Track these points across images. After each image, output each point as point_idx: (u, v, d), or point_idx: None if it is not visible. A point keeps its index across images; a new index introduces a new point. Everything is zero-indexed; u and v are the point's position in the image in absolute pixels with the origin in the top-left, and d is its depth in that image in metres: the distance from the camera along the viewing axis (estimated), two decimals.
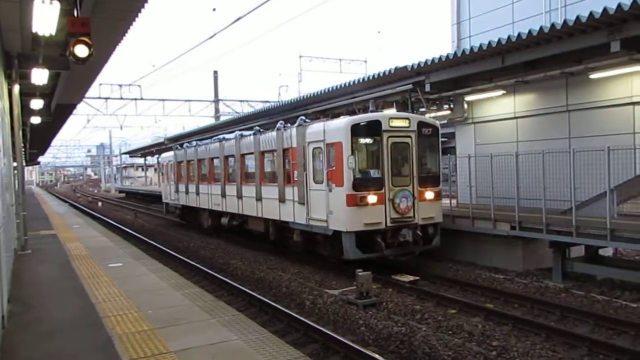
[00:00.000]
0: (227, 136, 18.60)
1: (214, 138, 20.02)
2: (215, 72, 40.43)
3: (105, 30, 8.93)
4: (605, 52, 9.98)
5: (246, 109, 35.82)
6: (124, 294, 7.92)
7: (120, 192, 64.59)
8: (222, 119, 36.45)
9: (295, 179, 13.02)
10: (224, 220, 18.27)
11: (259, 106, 33.02)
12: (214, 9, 24.59)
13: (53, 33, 8.12)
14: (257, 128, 16.07)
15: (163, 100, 35.81)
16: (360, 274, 9.81)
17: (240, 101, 38.36)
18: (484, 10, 14.70)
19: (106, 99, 33.37)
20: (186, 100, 36.91)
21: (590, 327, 8.04)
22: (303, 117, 13.61)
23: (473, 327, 8.07)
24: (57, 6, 7.13)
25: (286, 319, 8.88)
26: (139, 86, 33.62)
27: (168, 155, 26.23)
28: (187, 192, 22.05)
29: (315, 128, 12.53)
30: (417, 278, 11.40)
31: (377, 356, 6.84)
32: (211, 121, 38.27)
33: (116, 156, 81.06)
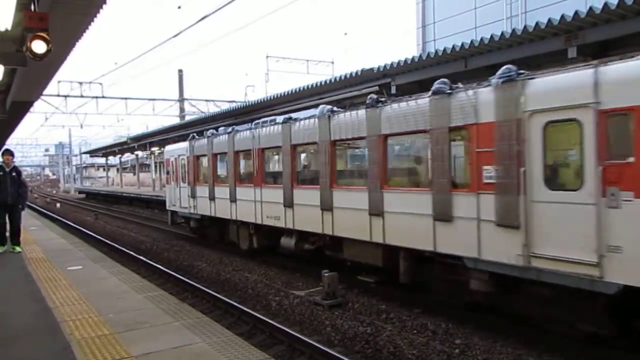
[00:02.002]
0: (294, 116, 12.52)
1: (259, 122, 13.46)
2: (180, 71, 39.77)
3: (65, 25, 8.61)
4: (563, 58, 10.36)
5: (212, 109, 35.39)
6: (83, 298, 7.67)
7: (80, 192, 62.58)
8: (187, 118, 35.88)
9: (488, 180, 7.23)
10: (287, 240, 12.33)
11: (225, 106, 32.69)
12: (179, 7, 24.14)
13: (9, 28, 7.79)
14: (373, 96, 9.62)
15: (126, 98, 34.95)
16: (326, 274, 9.84)
17: (206, 101, 37.91)
18: (448, 15, 15.04)
19: (65, 96, 32.30)
20: (150, 99, 36.17)
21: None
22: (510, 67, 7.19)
23: (437, 326, 8.20)
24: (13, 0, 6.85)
25: (252, 320, 8.81)
26: (100, 84, 32.72)
27: (177, 148, 18.82)
28: (211, 197, 15.54)
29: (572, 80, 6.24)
30: (385, 278, 11.49)
31: (342, 357, 6.88)
32: (176, 121, 37.62)
33: (76, 156, 78.51)
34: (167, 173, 19.41)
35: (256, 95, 38.19)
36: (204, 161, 16.27)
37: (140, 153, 48.08)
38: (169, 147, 20.33)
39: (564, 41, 10.15)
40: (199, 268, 13.80)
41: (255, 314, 8.97)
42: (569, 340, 7.01)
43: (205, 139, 15.93)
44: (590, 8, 9.15)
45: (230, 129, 14.63)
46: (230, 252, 15.85)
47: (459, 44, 11.86)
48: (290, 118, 12.09)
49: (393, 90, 14.52)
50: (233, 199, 14.17)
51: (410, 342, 7.55)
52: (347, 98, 16.37)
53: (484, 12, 13.77)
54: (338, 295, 9.86)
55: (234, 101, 35.14)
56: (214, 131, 15.91)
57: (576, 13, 9.39)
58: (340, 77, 15.72)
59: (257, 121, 13.54)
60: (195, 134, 17.15)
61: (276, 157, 13.25)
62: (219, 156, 15.54)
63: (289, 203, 11.76)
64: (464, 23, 14.03)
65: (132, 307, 7.10)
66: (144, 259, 14.81)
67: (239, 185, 13.89)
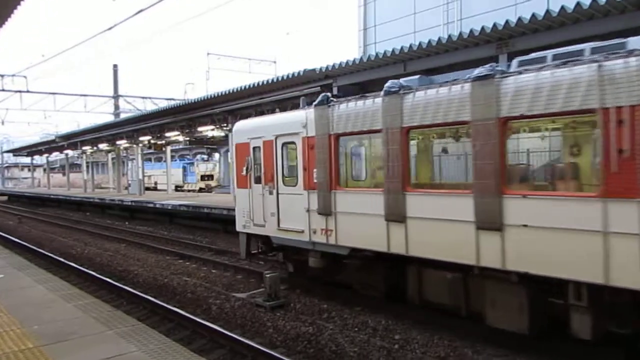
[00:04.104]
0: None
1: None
2: (115, 66, 38.04)
3: None
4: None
5: (149, 107, 34.10)
6: (4, 309, 7.10)
7: (1, 194, 58.23)
8: (123, 116, 34.36)
9: None
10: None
11: (163, 104, 31.60)
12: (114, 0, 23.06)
13: None
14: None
15: (54, 93, 32.92)
16: (268, 275, 9.74)
17: (143, 98, 36.44)
18: (389, 19, 15.39)
19: None
20: (81, 95, 34.28)
21: None
22: None
23: (377, 323, 8.35)
24: None
25: (191, 325, 8.55)
26: (25, 77, 30.57)
27: (271, 123, 10.52)
28: (395, 215, 7.95)
29: None
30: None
31: (284, 357, 6.82)
32: (110, 118, 35.92)
33: None
34: (247, 169, 10.70)
35: (196, 93, 37.27)
36: (350, 149, 9.69)
37: (70, 152, 45.47)
38: (247, 124, 11.32)
39: (496, 48, 10.66)
40: (135, 273, 13.22)
41: (195, 318, 8.71)
42: (501, 331, 7.35)
43: (350, 105, 8.50)
44: (519, 18, 9.66)
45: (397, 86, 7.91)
46: (169, 254, 15.32)
47: (399, 48, 12.15)
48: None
49: (335, 91, 14.64)
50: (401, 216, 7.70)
51: (351, 340, 7.63)
52: (289, 98, 16.33)
53: (422, 18, 14.24)
54: (280, 297, 9.78)
55: (172, 99, 34.06)
56: (392, 85, 7.90)
57: (507, 22, 9.88)
58: (283, 77, 15.64)
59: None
60: (329, 94, 9.13)
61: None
62: (398, 134, 7.78)
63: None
64: (404, 27, 14.43)
65: (60, 317, 6.66)
66: (74, 265, 13.98)
67: (416, 191, 7.70)
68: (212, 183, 44.79)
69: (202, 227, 21.06)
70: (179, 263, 14.21)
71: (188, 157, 54.36)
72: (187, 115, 23.49)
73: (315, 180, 9.05)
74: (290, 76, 15.22)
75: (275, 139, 10.06)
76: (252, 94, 17.81)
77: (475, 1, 13.16)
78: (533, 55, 6.75)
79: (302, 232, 9.39)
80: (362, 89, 15.01)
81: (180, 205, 22.24)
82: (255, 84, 16.92)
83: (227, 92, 18.51)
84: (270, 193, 10.19)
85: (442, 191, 7.86)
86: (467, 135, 7.08)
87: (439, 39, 11.25)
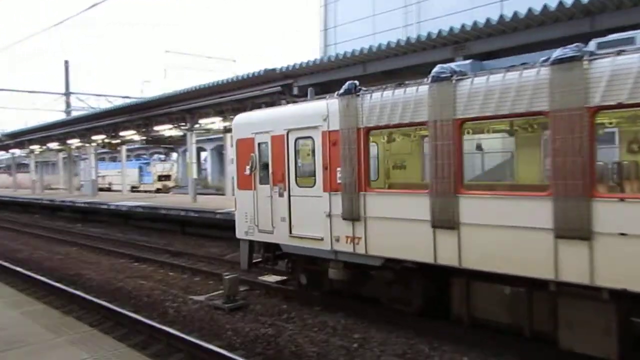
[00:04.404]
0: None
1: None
2: (67, 62, 36.61)
3: None
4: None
5: (104, 105, 32.98)
6: None
7: None
8: (75, 114, 33.07)
9: None
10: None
11: (119, 102, 30.64)
12: None
13: None
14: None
15: None
16: (226, 277, 9.59)
17: (97, 95, 35.23)
18: (349, 20, 15.51)
19: None
20: (30, 92, 32.73)
21: None
22: None
23: (337, 322, 8.38)
24: None
25: (147, 330, 8.28)
26: None
27: (281, 115, 9.24)
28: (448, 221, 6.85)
29: None
30: (285, 278, 11.49)
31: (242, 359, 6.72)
32: (62, 116, 34.50)
33: None
34: (252, 168, 9.47)
35: (153, 91, 36.32)
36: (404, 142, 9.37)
37: (17, 152, 43.31)
38: (251, 117, 9.96)
39: (452, 51, 10.93)
40: (87, 277, 12.72)
41: (151, 322, 8.45)
42: (459, 327, 7.52)
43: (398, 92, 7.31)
44: (475, 22, 9.95)
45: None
46: (124, 256, 14.83)
47: (359, 49, 12.26)
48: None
49: (295, 91, 14.61)
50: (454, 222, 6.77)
51: (311, 340, 7.62)
52: (249, 98, 16.17)
53: (382, 20, 14.43)
54: (239, 298, 9.65)
55: (128, 97, 33.08)
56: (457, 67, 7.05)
57: (463, 26, 10.15)
58: (242, 77, 15.47)
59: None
60: (356, 82, 7.95)
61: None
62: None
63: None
64: (364, 28, 14.57)
65: (4, 326, 6.31)
66: (21, 269, 13.30)
67: (471, 192, 6.73)
68: (170, 183, 43.79)
69: (159, 229, 20.53)
70: (135, 266, 13.78)
71: (145, 156, 52.92)
72: (143, 114, 22.86)
73: (339, 181, 7.92)
74: (250, 75, 15.08)
75: (287, 133, 8.79)
76: (212, 93, 17.54)
77: (433, 5, 13.46)
78: (614, 36, 5.92)
79: (321, 239, 8.24)
80: (324, 90, 15.08)
81: (136, 206, 21.59)
82: (215, 83, 16.66)
83: (185, 91, 18.14)
84: (281, 195, 8.94)
85: (507, 193, 6.65)
86: (543, 127, 6.45)
87: (398, 41, 11.43)
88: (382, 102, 7.37)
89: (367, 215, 7.61)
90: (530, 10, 9.11)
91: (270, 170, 9.13)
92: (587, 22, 8.91)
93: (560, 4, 8.69)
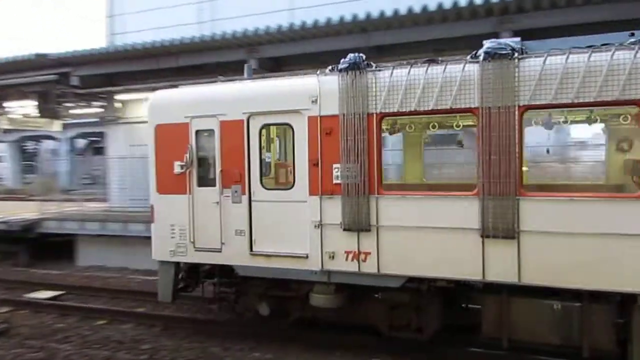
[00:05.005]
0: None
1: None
2: None
3: None
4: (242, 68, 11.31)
5: None
6: None
7: None
8: None
9: None
10: None
11: None
12: None
13: None
14: None
15: None
16: None
17: None
18: (141, 9, 14.44)
19: None
20: None
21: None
22: None
23: (123, 335, 7.73)
24: None
25: None
26: None
27: (229, 93, 7.24)
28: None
29: None
30: (61, 293, 10.13)
31: None
32: None
33: None
34: (187, 164, 7.18)
35: None
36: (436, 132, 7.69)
37: None
38: (183, 95, 7.61)
39: (246, 53, 11.13)
40: None
41: None
42: (248, 326, 7.62)
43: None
44: (267, 27, 10.29)
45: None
46: None
47: (150, 42, 11.57)
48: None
49: (75, 81, 12.97)
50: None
51: (91, 358, 6.82)
52: (13, 85, 13.75)
53: (174, 13, 13.85)
54: None
55: None
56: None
57: (256, 30, 10.40)
58: (3, 60, 13.05)
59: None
60: (363, 55, 6.40)
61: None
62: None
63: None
64: (156, 20, 13.77)
65: None
66: None
67: (537, 194, 5.91)
68: None
69: None
70: None
71: None
72: None
73: (337, 181, 6.32)
74: (14, 59, 12.82)
75: (248, 119, 6.79)
76: None
77: (227, 4, 13.52)
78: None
79: (305, 257, 6.50)
80: (111, 82, 13.72)
81: None
82: None
83: None
84: (236, 201, 6.88)
85: (585, 195, 5.53)
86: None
87: (192, 38, 11.13)
88: (406, 81, 5.95)
89: (381, 224, 6.13)
90: (316, 21, 9.86)
91: (219, 169, 6.96)
92: (364, 37, 10.05)
93: (341, 19, 9.61)
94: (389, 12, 9.31)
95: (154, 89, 13.32)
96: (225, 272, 7.19)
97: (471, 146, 6.35)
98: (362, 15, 9.46)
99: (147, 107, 7.51)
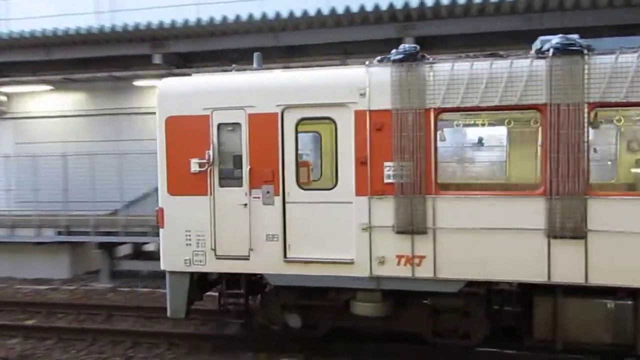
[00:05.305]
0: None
1: None
2: None
3: None
4: (149, 62, 10.79)
5: None
6: None
7: None
8: None
9: None
10: None
11: None
12: None
13: None
14: None
15: None
16: None
17: None
18: None
19: None
20: None
21: (133, 321, 8.37)
22: None
23: (9, 351, 7.06)
24: None
25: None
26: None
27: (258, 82, 6.46)
28: None
29: None
30: None
31: None
32: None
33: None
34: (208, 162, 6.32)
35: None
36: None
37: None
38: (201, 84, 6.59)
39: (151, 47, 10.64)
40: None
41: None
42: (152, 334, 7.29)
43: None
44: (173, 21, 9.90)
45: None
46: None
47: (41, 30, 10.65)
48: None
49: None
50: None
51: None
52: None
53: (70, 1, 12.88)
54: None
55: None
56: None
57: (161, 23, 9.96)
58: None
59: None
60: (417, 46, 6.07)
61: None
62: None
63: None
64: (49, 7, 12.68)
65: None
66: None
67: (605, 194, 5.90)
68: None
69: None
70: None
71: None
72: None
73: (389, 180, 5.92)
74: None
75: (282, 112, 6.18)
76: None
77: None
78: None
79: (351, 263, 6.03)
80: None
81: None
82: None
83: None
84: (267, 202, 6.26)
85: None
86: None
87: (90, 28, 10.41)
88: (466, 76, 5.68)
89: (438, 225, 5.83)
90: (225, 18, 9.68)
91: (247, 167, 6.29)
92: (273, 36, 10.03)
93: (250, 17, 9.53)
94: (298, 13, 9.40)
95: (44, 82, 12.39)
96: (250, 282, 6.58)
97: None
98: (271, 15, 9.45)
99: (156, 96, 6.57)
